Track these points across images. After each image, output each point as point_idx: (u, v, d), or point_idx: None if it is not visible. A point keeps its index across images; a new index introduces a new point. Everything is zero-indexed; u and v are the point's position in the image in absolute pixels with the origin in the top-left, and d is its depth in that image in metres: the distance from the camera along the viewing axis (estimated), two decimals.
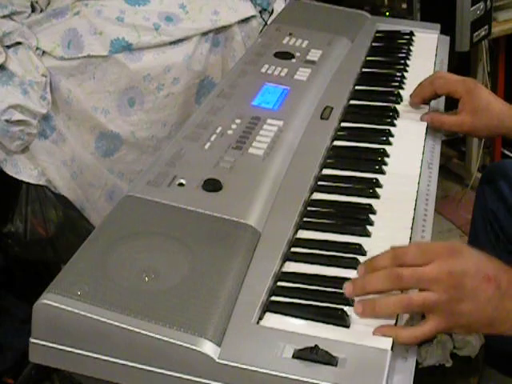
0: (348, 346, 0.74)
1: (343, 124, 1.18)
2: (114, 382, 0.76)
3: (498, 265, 0.81)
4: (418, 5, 2.06)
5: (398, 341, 0.77)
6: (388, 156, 1.10)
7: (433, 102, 1.24)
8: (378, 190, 1.01)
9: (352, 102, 1.25)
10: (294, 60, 1.31)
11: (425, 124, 1.19)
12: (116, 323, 0.74)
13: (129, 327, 0.73)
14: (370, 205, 0.97)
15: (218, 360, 0.72)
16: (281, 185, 0.99)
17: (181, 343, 0.72)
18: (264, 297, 0.81)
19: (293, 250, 0.90)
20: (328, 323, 0.78)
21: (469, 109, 1.15)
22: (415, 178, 1.05)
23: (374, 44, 1.44)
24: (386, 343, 0.76)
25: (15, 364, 1.59)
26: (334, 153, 1.10)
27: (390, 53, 1.42)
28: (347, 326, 0.78)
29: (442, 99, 1.28)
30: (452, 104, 1.23)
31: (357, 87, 1.29)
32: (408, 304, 0.79)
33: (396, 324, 0.80)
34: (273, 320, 0.79)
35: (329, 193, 1.01)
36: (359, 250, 0.89)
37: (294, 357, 0.73)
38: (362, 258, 0.88)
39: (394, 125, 1.18)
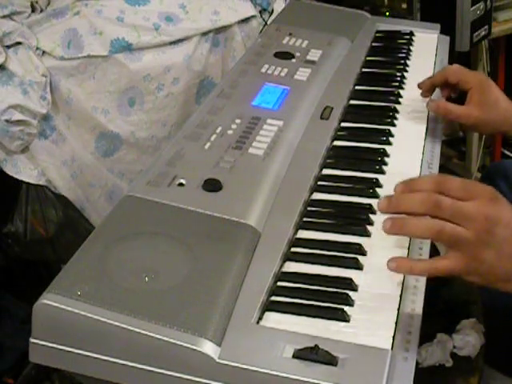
0: (348, 345, 0.74)
1: (343, 124, 1.18)
2: (114, 382, 0.76)
3: None
4: (418, 5, 2.06)
5: (412, 272, 0.77)
6: (388, 156, 1.10)
7: (434, 95, 1.24)
8: (378, 189, 1.01)
9: (352, 101, 1.24)
10: (293, 60, 1.31)
11: (425, 124, 1.19)
12: (116, 323, 0.74)
13: (129, 327, 0.73)
14: (370, 205, 0.97)
15: (218, 360, 0.72)
16: (281, 185, 0.99)
17: (181, 343, 0.72)
18: (264, 297, 0.81)
19: (293, 249, 0.90)
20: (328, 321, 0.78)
21: (477, 101, 1.15)
22: None
23: (373, 44, 1.44)
24: (385, 343, 0.76)
25: (15, 364, 1.59)
26: (333, 153, 1.10)
27: (390, 53, 1.41)
28: (348, 321, 0.78)
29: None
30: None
31: (357, 87, 1.29)
32: (439, 231, 0.77)
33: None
34: (273, 320, 0.79)
35: (329, 193, 1.01)
36: (359, 249, 0.89)
37: (294, 357, 0.73)
38: (362, 258, 0.88)
39: (394, 125, 1.18)
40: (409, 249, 0.90)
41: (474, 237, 0.77)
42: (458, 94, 1.23)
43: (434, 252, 0.95)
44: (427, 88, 1.22)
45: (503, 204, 0.80)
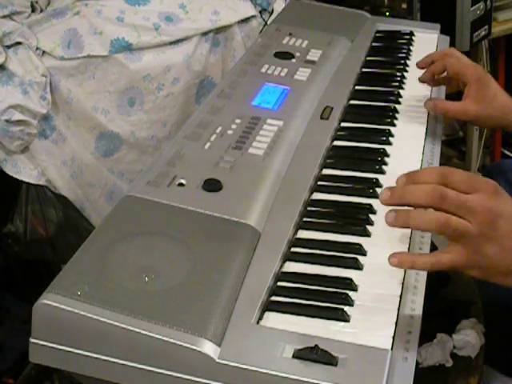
0: (348, 346, 0.74)
1: (343, 124, 1.18)
2: (114, 382, 0.76)
3: None
4: (418, 5, 2.06)
5: (414, 266, 0.77)
6: (388, 156, 1.10)
7: (434, 93, 1.24)
8: (378, 189, 1.01)
9: (352, 101, 1.24)
10: (293, 60, 1.31)
11: (425, 124, 1.19)
12: (116, 323, 0.74)
13: (129, 327, 0.73)
14: (370, 205, 0.97)
15: (217, 360, 0.72)
16: (281, 185, 0.99)
17: (181, 343, 0.72)
18: (264, 297, 0.81)
19: (293, 249, 0.90)
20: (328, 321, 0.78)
21: (475, 96, 1.14)
22: None
23: (373, 44, 1.44)
24: (385, 343, 0.76)
25: (15, 364, 1.59)
26: (333, 153, 1.10)
27: (390, 53, 1.42)
28: (348, 321, 0.78)
29: (443, 90, 1.28)
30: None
31: (357, 87, 1.29)
32: (444, 224, 0.76)
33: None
34: (273, 320, 0.79)
35: (329, 193, 1.01)
36: (359, 249, 0.89)
37: (293, 357, 0.73)
38: (362, 258, 0.88)
39: (394, 125, 1.18)
40: (409, 248, 0.90)
41: (477, 230, 0.77)
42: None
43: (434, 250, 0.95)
44: (428, 79, 1.22)
45: (505, 198, 0.80)
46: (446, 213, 0.77)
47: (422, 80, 1.22)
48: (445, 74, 1.22)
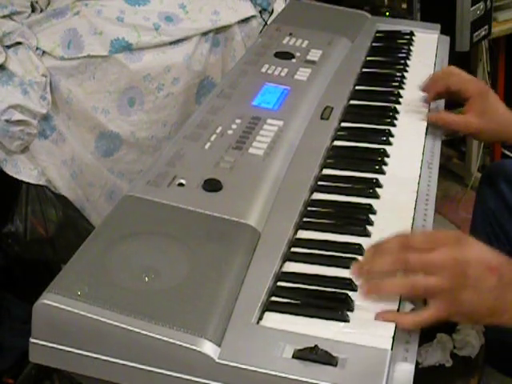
0: (348, 346, 0.74)
1: (343, 124, 1.18)
2: (114, 382, 0.76)
3: (500, 257, 0.82)
4: (418, 5, 2.06)
5: (399, 326, 0.78)
6: (388, 156, 1.10)
7: (433, 107, 1.24)
8: (377, 189, 1.01)
9: (352, 101, 1.25)
10: (294, 60, 1.31)
11: (425, 124, 1.19)
12: (116, 323, 0.74)
13: (129, 327, 0.73)
14: (369, 205, 0.97)
15: (217, 360, 0.72)
16: (281, 185, 0.99)
17: (181, 343, 0.72)
18: (264, 297, 0.81)
19: (293, 249, 0.90)
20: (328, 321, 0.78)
21: (477, 110, 1.16)
22: (415, 178, 1.05)
23: (374, 44, 1.44)
24: (385, 343, 0.76)
25: (15, 364, 1.59)
26: (333, 153, 1.10)
27: (390, 53, 1.42)
28: (347, 321, 0.79)
29: (442, 100, 1.28)
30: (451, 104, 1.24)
31: (357, 87, 1.29)
32: (412, 286, 0.80)
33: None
34: (273, 320, 0.79)
35: (329, 193, 1.01)
36: (359, 250, 0.89)
37: (293, 357, 0.73)
38: (361, 259, 0.88)
39: (394, 125, 1.18)
40: None
41: (448, 283, 0.79)
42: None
43: None
44: (432, 99, 1.23)
45: (470, 244, 0.82)
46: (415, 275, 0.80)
47: (428, 101, 1.22)
48: None
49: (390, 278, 0.81)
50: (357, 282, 0.83)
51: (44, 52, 1.55)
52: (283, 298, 0.82)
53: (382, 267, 0.82)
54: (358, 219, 0.96)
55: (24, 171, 1.55)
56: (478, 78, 1.22)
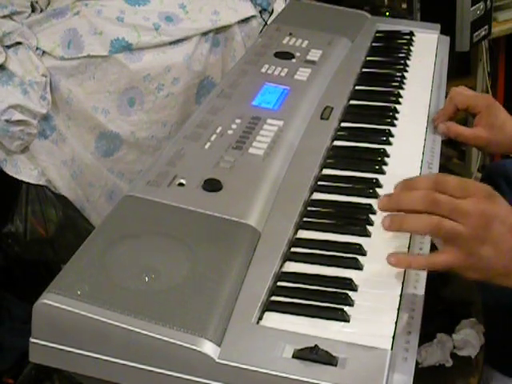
0: (348, 346, 0.74)
1: (343, 124, 1.18)
2: (114, 382, 0.76)
3: None
4: (418, 5, 2.06)
5: (412, 266, 0.79)
6: (388, 156, 1.10)
7: (434, 94, 1.24)
8: (378, 189, 1.01)
9: (352, 101, 1.24)
10: (294, 60, 1.31)
11: (425, 124, 1.19)
12: (116, 323, 0.74)
13: (129, 327, 0.73)
14: (369, 205, 0.97)
15: (217, 360, 0.72)
16: (281, 185, 0.99)
17: (181, 343, 0.72)
18: (264, 297, 0.81)
19: (293, 249, 0.90)
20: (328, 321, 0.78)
21: (485, 124, 1.16)
22: None
23: (374, 44, 1.44)
24: (385, 343, 0.76)
25: (15, 364, 1.59)
26: (333, 153, 1.10)
27: (390, 53, 1.41)
28: (347, 321, 0.79)
29: (444, 79, 1.29)
30: None
31: (357, 87, 1.29)
32: (437, 226, 0.79)
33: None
34: (273, 320, 0.79)
35: (329, 193, 1.01)
36: (359, 249, 0.89)
37: (293, 357, 0.73)
38: (361, 258, 0.88)
39: (394, 125, 1.18)
40: (409, 249, 0.90)
41: (471, 233, 0.79)
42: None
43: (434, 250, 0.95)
44: (444, 120, 1.21)
45: (499, 201, 0.82)
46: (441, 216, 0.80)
47: (441, 131, 1.19)
48: None
49: (414, 214, 0.80)
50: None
51: (44, 52, 1.55)
52: (283, 297, 0.82)
53: (411, 203, 0.81)
54: (358, 219, 0.96)
55: (24, 171, 1.55)
56: (485, 94, 1.22)
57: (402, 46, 1.44)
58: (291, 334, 0.76)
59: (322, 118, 1.16)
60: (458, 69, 2.17)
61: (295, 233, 0.93)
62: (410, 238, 0.92)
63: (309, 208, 0.98)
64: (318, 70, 1.28)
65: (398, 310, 0.81)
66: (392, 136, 1.15)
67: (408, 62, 1.38)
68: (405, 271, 0.86)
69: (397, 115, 1.20)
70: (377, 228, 0.94)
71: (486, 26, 2.05)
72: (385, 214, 0.84)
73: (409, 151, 1.12)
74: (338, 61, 1.34)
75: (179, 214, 0.90)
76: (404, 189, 0.83)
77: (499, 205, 0.82)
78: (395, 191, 0.84)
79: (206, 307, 0.76)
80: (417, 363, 0.77)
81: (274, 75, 1.25)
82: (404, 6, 2.14)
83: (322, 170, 1.06)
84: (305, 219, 0.95)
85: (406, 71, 1.35)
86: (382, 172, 1.06)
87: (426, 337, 1.03)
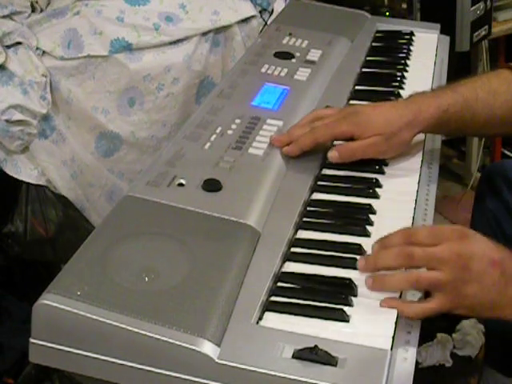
0: (348, 346, 0.74)
1: None
2: (114, 382, 0.76)
3: (504, 251, 0.83)
4: (418, 5, 2.06)
5: (402, 314, 0.79)
6: None
7: None
8: (377, 189, 1.01)
9: (352, 101, 1.24)
10: (294, 60, 1.31)
11: None
12: (116, 323, 0.74)
13: (129, 327, 0.73)
14: (369, 205, 0.97)
15: (217, 360, 0.72)
16: (281, 185, 0.99)
17: (180, 343, 0.72)
18: (264, 297, 0.81)
19: (293, 250, 0.90)
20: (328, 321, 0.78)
21: (386, 146, 1.04)
22: (415, 178, 1.05)
23: (373, 44, 1.44)
24: (385, 343, 0.76)
25: (15, 364, 1.59)
26: None
27: (390, 53, 1.42)
28: (347, 321, 0.79)
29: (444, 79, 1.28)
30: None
31: (357, 87, 1.29)
32: (416, 281, 0.81)
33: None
34: (272, 320, 0.79)
35: (329, 193, 1.01)
36: (359, 250, 0.89)
37: (293, 357, 0.73)
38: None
39: None
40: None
41: (451, 276, 0.80)
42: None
43: None
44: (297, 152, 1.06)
45: (473, 239, 0.83)
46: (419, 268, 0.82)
47: (333, 160, 1.05)
48: None
49: (394, 272, 0.82)
50: (363, 276, 0.84)
51: (44, 52, 1.55)
52: (283, 298, 0.82)
53: (387, 261, 0.83)
54: (358, 219, 0.96)
55: (24, 171, 1.55)
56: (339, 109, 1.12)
57: (402, 45, 1.44)
58: (291, 334, 0.76)
59: None
60: (458, 69, 2.17)
61: (295, 233, 0.93)
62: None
63: (308, 208, 0.98)
64: (317, 70, 1.28)
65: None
66: None
67: (408, 61, 1.38)
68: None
69: None
70: (376, 228, 0.94)
71: (486, 26, 2.05)
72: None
73: (409, 151, 1.12)
74: (338, 61, 1.34)
75: (179, 214, 0.90)
76: (380, 248, 0.85)
77: (473, 241, 0.83)
78: (373, 251, 0.86)
79: (206, 307, 0.76)
80: (417, 363, 0.77)
81: (274, 75, 1.25)
82: (404, 5, 2.13)
83: (321, 170, 1.06)
84: (304, 219, 0.95)
85: (406, 71, 1.35)
86: (382, 172, 1.06)
87: (426, 337, 1.03)
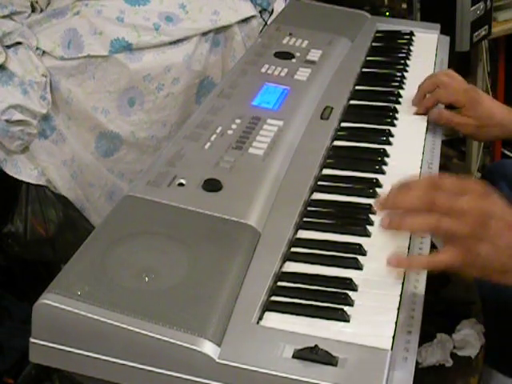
0: (348, 346, 0.74)
1: (343, 124, 1.18)
2: (114, 382, 0.76)
3: None
4: (418, 5, 2.06)
5: (412, 266, 0.80)
6: (388, 156, 1.10)
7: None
8: (377, 189, 1.01)
9: (352, 101, 1.25)
10: (294, 60, 1.31)
11: (425, 124, 1.19)
12: (116, 323, 0.74)
13: (129, 327, 0.73)
14: (370, 205, 0.97)
15: (217, 360, 0.72)
16: (281, 185, 0.99)
17: (181, 343, 0.72)
18: (264, 297, 0.81)
19: (293, 249, 0.90)
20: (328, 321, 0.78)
21: (472, 116, 1.18)
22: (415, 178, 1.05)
23: (373, 44, 1.44)
24: (385, 343, 0.76)
25: (15, 364, 1.59)
26: (333, 153, 1.10)
27: (390, 53, 1.42)
28: (347, 321, 0.79)
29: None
30: None
31: (357, 87, 1.29)
32: (435, 226, 0.80)
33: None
34: (273, 320, 0.79)
35: (329, 193, 1.01)
36: (359, 249, 0.89)
37: (293, 357, 0.73)
38: (361, 258, 0.88)
39: (394, 125, 1.18)
40: (409, 249, 0.90)
41: (469, 231, 0.79)
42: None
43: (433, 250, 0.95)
44: (423, 113, 1.22)
45: (495, 198, 0.82)
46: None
47: (432, 118, 1.22)
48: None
49: (413, 214, 0.81)
50: (378, 216, 0.84)
51: (44, 52, 1.55)
52: (283, 297, 0.82)
53: (408, 203, 0.81)
54: (358, 219, 0.96)
55: (24, 171, 1.55)
56: (465, 85, 1.22)
57: (402, 45, 1.44)
58: (291, 334, 0.76)
59: (322, 118, 1.16)
60: (458, 69, 2.17)
61: (295, 233, 0.93)
62: (410, 238, 0.92)
63: (309, 208, 0.98)
64: (317, 69, 1.28)
65: (398, 310, 0.81)
66: (392, 136, 1.15)
67: (408, 61, 1.38)
68: (405, 271, 0.86)
69: (397, 115, 1.21)
70: (377, 228, 0.94)
71: (486, 26, 2.05)
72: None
73: (409, 151, 1.12)
74: (338, 61, 1.34)
75: (179, 214, 0.90)
76: (401, 189, 0.84)
77: (495, 202, 0.82)
78: (392, 191, 0.84)
79: (206, 307, 0.76)
80: (417, 363, 0.77)
81: (274, 75, 1.25)
82: (404, 5, 2.13)
83: (321, 170, 1.06)
84: (305, 219, 0.95)
85: (406, 71, 1.35)
86: (382, 172, 1.06)
87: (426, 337, 1.03)
